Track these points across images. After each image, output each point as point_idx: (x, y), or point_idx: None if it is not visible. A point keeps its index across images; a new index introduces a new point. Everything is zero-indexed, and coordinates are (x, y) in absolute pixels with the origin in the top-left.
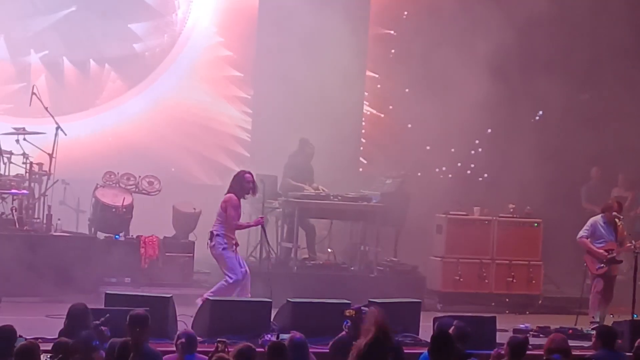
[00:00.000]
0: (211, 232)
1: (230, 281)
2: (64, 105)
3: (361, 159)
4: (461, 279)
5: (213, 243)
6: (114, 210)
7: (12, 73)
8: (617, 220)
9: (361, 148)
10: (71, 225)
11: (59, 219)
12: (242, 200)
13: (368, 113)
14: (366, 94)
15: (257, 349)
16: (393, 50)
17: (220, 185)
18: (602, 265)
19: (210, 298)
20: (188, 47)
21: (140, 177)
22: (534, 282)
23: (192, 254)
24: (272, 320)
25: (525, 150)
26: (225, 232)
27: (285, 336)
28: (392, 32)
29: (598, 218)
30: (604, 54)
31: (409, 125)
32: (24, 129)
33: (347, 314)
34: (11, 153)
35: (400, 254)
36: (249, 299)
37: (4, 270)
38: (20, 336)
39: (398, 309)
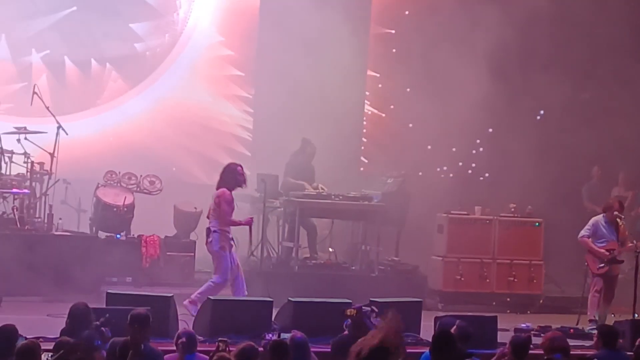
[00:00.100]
0: (208, 229)
1: (217, 282)
2: (65, 104)
3: (362, 158)
4: (462, 279)
5: (210, 239)
6: (115, 209)
7: (13, 73)
8: (618, 220)
9: (362, 147)
10: (72, 225)
11: (60, 219)
12: (242, 200)
13: (369, 112)
14: (367, 93)
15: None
16: (394, 50)
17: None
18: (603, 265)
19: (211, 298)
20: (189, 46)
21: (141, 176)
22: (535, 281)
23: (193, 254)
24: (273, 319)
25: (526, 150)
26: (221, 227)
27: (286, 336)
28: (393, 31)
29: (599, 218)
30: (605, 53)
31: (410, 125)
32: (25, 128)
33: (348, 314)
34: (12, 152)
35: (401, 254)
36: (249, 299)
37: (5, 270)
38: (21, 335)
39: (399, 309)
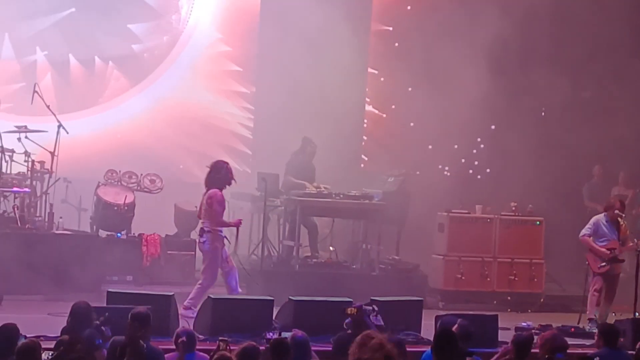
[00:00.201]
0: (201, 229)
1: (205, 285)
2: (66, 103)
3: (362, 156)
4: (463, 277)
5: (204, 239)
6: (115, 208)
7: (15, 71)
8: (619, 219)
9: (363, 144)
10: (73, 224)
11: (60, 217)
12: (243, 199)
13: (370, 111)
14: (367, 90)
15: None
16: (397, 44)
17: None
18: (604, 264)
19: (212, 296)
20: (190, 45)
21: (142, 175)
22: (535, 280)
23: (193, 252)
24: (274, 318)
25: (526, 149)
26: (213, 227)
27: (287, 334)
28: (390, 28)
29: (601, 216)
30: (605, 52)
31: (412, 124)
32: (25, 127)
33: (349, 312)
34: (13, 151)
35: (402, 252)
36: (250, 297)
37: (5, 269)
38: (21, 335)
39: (400, 307)
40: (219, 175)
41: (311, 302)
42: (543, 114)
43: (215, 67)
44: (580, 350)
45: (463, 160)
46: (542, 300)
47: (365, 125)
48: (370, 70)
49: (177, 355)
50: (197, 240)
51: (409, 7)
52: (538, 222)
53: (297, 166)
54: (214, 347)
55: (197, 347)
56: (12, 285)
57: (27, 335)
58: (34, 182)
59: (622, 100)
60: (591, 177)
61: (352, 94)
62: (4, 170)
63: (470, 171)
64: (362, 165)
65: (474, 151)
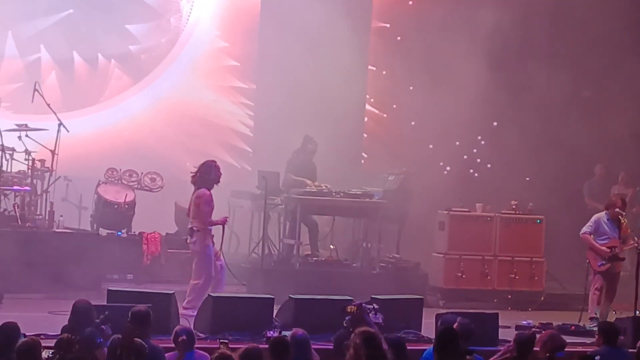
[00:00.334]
0: (191, 229)
1: (203, 283)
2: (66, 102)
3: (363, 154)
4: (463, 276)
5: (194, 239)
6: (116, 206)
7: (18, 70)
8: (620, 217)
9: (363, 142)
10: (73, 222)
11: (61, 216)
12: (243, 197)
13: (370, 110)
14: (368, 88)
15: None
16: (398, 38)
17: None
18: (604, 262)
19: (212, 295)
20: (190, 44)
21: (142, 173)
22: (536, 278)
23: None
24: (274, 317)
25: (527, 147)
26: (203, 226)
27: (287, 333)
28: (394, 27)
29: (602, 214)
30: (605, 49)
31: (412, 123)
32: (26, 125)
33: (349, 310)
34: (13, 150)
35: (402, 251)
36: (251, 296)
37: (6, 267)
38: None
39: (400, 306)
40: (210, 176)
41: (311, 301)
42: (546, 109)
43: (215, 65)
44: (580, 349)
45: (465, 157)
46: (542, 298)
47: (365, 123)
48: (370, 67)
49: (177, 354)
50: (188, 240)
51: (410, 2)
52: (538, 221)
53: (298, 164)
54: (215, 346)
55: (198, 345)
56: (12, 283)
57: (28, 334)
58: (35, 181)
59: (621, 99)
60: (592, 176)
61: (353, 92)
62: (4, 168)
63: (471, 170)
64: (362, 161)
65: (474, 150)
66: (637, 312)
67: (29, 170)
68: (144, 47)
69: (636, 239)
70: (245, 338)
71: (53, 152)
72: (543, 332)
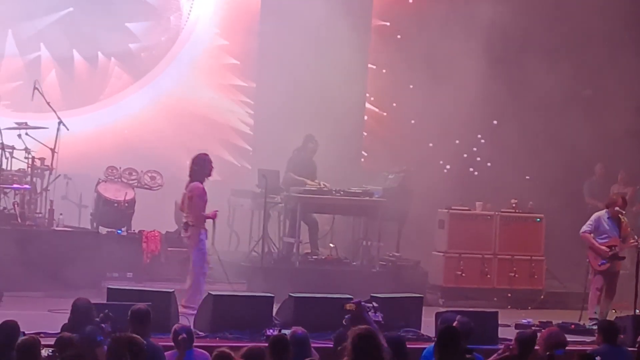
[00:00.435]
0: (186, 223)
1: (199, 277)
2: (66, 100)
3: (363, 152)
4: (463, 274)
5: (189, 234)
6: (116, 205)
7: (18, 68)
8: (621, 216)
9: (363, 141)
10: (73, 220)
11: (61, 214)
12: (243, 196)
13: (370, 109)
14: (368, 87)
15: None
16: (399, 36)
17: (220, 181)
18: (605, 261)
19: (212, 293)
20: (190, 42)
21: (142, 171)
22: (536, 277)
23: None
24: (274, 315)
25: (527, 146)
26: (197, 220)
27: (287, 331)
28: (395, 25)
29: (602, 213)
30: (606, 50)
31: (412, 121)
32: (26, 123)
33: (348, 308)
34: (13, 148)
35: (402, 249)
36: (251, 294)
37: (6, 265)
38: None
39: (400, 304)
40: (204, 169)
41: (311, 299)
42: (544, 110)
43: (215, 63)
44: (580, 347)
45: (465, 155)
46: (542, 297)
47: (365, 122)
48: (370, 66)
49: (177, 353)
50: (182, 234)
51: (410, 1)
52: (538, 219)
53: (299, 163)
54: (214, 344)
55: (198, 344)
56: (12, 282)
57: (28, 332)
58: (34, 179)
59: (621, 96)
60: (592, 175)
61: (353, 91)
62: (4, 166)
63: (471, 169)
64: (362, 159)
65: (474, 149)
66: (637, 310)
67: (29, 169)
68: (144, 46)
69: (636, 237)
70: (245, 336)
71: (53, 151)
72: (545, 329)
